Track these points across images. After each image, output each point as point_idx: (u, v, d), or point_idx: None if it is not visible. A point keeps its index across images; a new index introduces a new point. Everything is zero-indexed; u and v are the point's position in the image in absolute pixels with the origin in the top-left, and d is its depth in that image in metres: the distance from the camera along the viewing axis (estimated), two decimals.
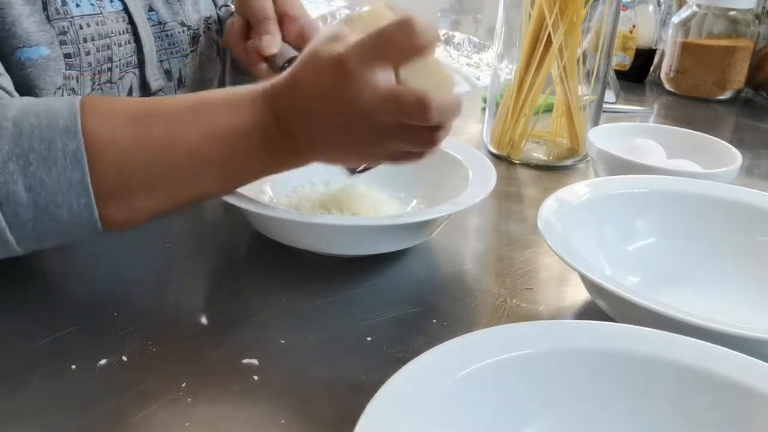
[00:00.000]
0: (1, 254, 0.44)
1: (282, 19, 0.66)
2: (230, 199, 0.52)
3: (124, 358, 0.44)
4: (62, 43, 0.53)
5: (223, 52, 0.75)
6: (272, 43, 0.65)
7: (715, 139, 0.77)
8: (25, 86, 0.51)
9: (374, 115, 0.45)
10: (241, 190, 0.54)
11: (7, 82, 0.49)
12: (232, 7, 0.72)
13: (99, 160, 0.44)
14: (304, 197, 0.62)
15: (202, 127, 0.47)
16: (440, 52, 2.08)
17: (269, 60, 0.65)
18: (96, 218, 0.45)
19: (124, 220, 0.47)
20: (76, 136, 0.43)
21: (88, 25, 0.55)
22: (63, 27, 0.53)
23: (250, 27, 0.68)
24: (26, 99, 0.45)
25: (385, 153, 0.49)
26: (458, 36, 1.75)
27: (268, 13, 0.65)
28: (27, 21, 0.51)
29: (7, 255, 0.44)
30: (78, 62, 0.54)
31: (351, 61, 0.44)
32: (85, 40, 0.55)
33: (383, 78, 0.44)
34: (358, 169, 0.56)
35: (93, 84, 0.56)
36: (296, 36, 0.66)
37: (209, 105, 0.48)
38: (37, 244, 0.45)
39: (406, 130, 0.46)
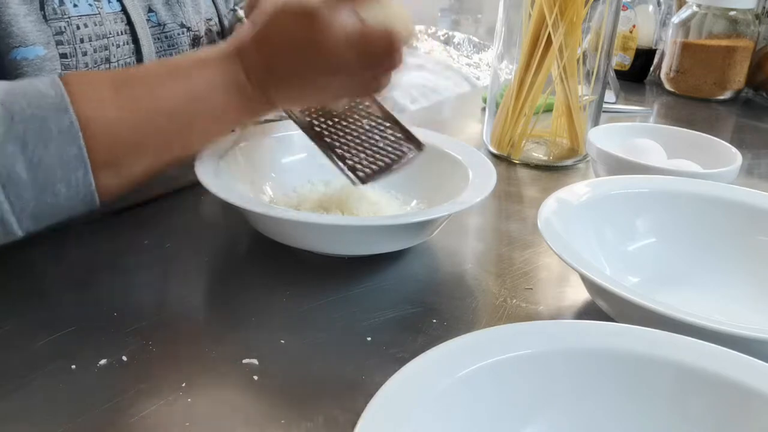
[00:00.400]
0: (0, 239, 0.45)
1: None
2: (230, 199, 0.52)
3: (124, 358, 0.44)
4: (59, 43, 0.53)
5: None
6: None
7: (715, 139, 0.77)
8: None
9: (342, 53, 0.50)
10: (241, 190, 0.54)
11: None
12: (240, 12, 0.72)
13: (90, 132, 0.46)
14: (304, 197, 0.62)
15: (180, 86, 0.51)
16: (440, 52, 2.08)
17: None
18: (93, 190, 0.47)
19: (117, 187, 0.49)
20: (68, 112, 0.45)
21: (86, 26, 0.55)
22: (60, 27, 0.53)
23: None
24: (5, 83, 0.46)
25: (350, 88, 0.54)
26: (458, 36, 1.76)
27: None
28: (24, 20, 0.51)
29: (5, 240, 0.45)
30: (74, 62, 0.54)
31: (318, 10, 0.49)
32: (82, 41, 0.55)
33: (350, 23, 0.50)
34: (365, 182, 0.57)
35: None
36: None
37: (184, 66, 0.52)
38: (35, 224, 0.46)
39: (371, 62, 0.51)
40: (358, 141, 0.59)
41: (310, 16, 0.49)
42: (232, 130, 0.60)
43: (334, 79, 0.52)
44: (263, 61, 0.52)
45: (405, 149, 0.59)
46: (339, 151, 0.58)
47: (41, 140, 0.44)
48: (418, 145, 0.59)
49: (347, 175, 0.57)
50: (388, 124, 0.60)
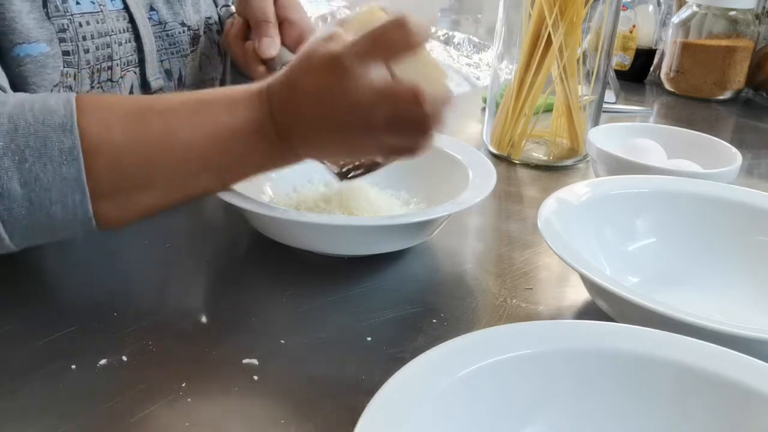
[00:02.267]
0: None
1: (282, 22, 0.67)
2: (230, 199, 0.52)
3: (124, 358, 0.44)
4: (61, 40, 0.53)
5: (224, 52, 0.75)
6: (271, 45, 0.65)
7: (715, 139, 0.77)
8: (21, 82, 0.51)
9: (369, 109, 0.46)
10: (241, 190, 0.54)
11: (2, 78, 0.49)
12: (233, 7, 0.72)
13: (94, 158, 0.44)
14: (304, 197, 0.62)
15: (199, 126, 0.47)
16: (440, 52, 2.08)
17: (267, 63, 0.65)
18: (90, 216, 0.45)
19: (119, 218, 0.47)
20: (72, 133, 0.43)
21: (88, 23, 0.55)
22: (62, 24, 0.53)
23: (250, 28, 0.68)
24: (21, 95, 0.45)
25: (379, 148, 0.49)
26: (458, 36, 1.76)
27: (269, 16, 0.66)
28: (26, 17, 0.51)
29: (0, 250, 0.45)
30: (76, 60, 0.54)
31: (346, 59, 0.45)
32: (84, 38, 0.55)
33: (378, 74, 0.45)
34: (348, 176, 0.56)
35: (92, 82, 0.56)
36: (295, 40, 0.67)
37: (205, 103, 0.48)
38: (30, 240, 0.45)
39: (400, 124, 0.47)
40: None
41: (334, 60, 0.45)
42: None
43: (361, 137, 0.48)
44: (289, 106, 0.48)
45: None
46: None
47: (40, 158, 0.42)
48: None
49: (329, 170, 0.56)
50: None
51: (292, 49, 0.66)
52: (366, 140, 0.48)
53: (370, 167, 0.56)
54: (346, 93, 0.46)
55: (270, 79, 0.49)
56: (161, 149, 0.46)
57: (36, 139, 0.42)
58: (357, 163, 0.55)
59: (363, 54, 0.45)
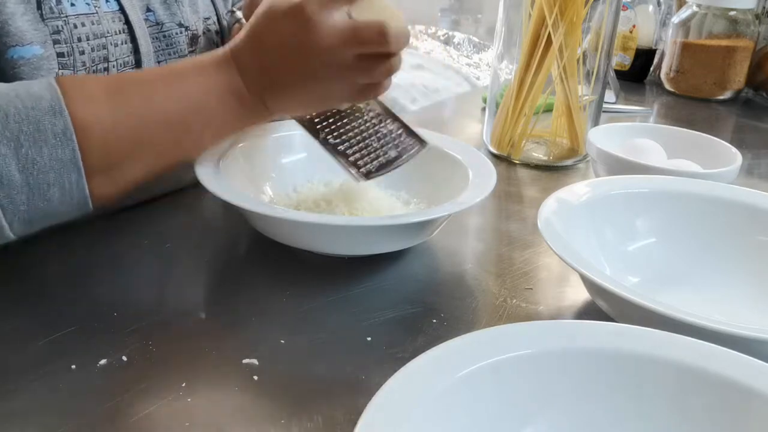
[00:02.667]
0: None
1: None
2: (230, 199, 0.52)
3: (124, 358, 0.44)
4: (56, 42, 0.53)
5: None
6: None
7: (715, 139, 0.77)
8: None
9: (336, 51, 0.49)
10: (241, 190, 0.54)
11: None
12: (238, 13, 0.72)
13: (85, 137, 0.46)
14: (304, 197, 0.62)
15: (176, 94, 0.50)
16: (440, 52, 2.08)
17: None
18: (87, 194, 0.47)
19: (110, 192, 0.49)
20: (63, 115, 0.45)
21: (83, 25, 0.55)
22: (57, 26, 0.53)
23: None
24: (2, 84, 0.46)
25: (347, 90, 0.53)
26: (458, 36, 1.76)
27: None
28: (20, 20, 0.51)
29: None
30: (71, 62, 0.54)
31: (307, 7, 0.48)
32: (79, 40, 0.55)
33: (340, 18, 0.49)
34: (370, 175, 0.57)
35: None
36: None
37: (178, 72, 0.52)
38: (28, 227, 0.46)
39: (365, 62, 0.50)
40: (360, 137, 0.59)
41: (298, 11, 0.49)
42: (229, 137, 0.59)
43: (330, 81, 0.51)
44: (257, 63, 0.51)
45: (408, 145, 0.59)
46: (341, 147, 0.58)
47: (35, 142, 0.44)
48: (421, 141, 0.59)
49: (349, 172, 0.57)
50: (390, 120, 0.60)
51: None
52: (334, 84, 0.52)
53: (387, 166, 0.57)
54: (311, 40, 0.49)
55: (236, 40, 0.52)
56: (144, 120, 0.49)
57: (28, 124, 0.44)
58: (377, 164, 0.57)
59: (323, 1, 0.48)
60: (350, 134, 0.59)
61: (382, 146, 0.58)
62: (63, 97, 0.45)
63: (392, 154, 0.58)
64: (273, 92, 0.52)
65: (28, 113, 0.44)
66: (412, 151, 0.59)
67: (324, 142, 0.58)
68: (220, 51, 0.52)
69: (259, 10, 0.51)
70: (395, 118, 0.60)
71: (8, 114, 0.43)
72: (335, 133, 0.59)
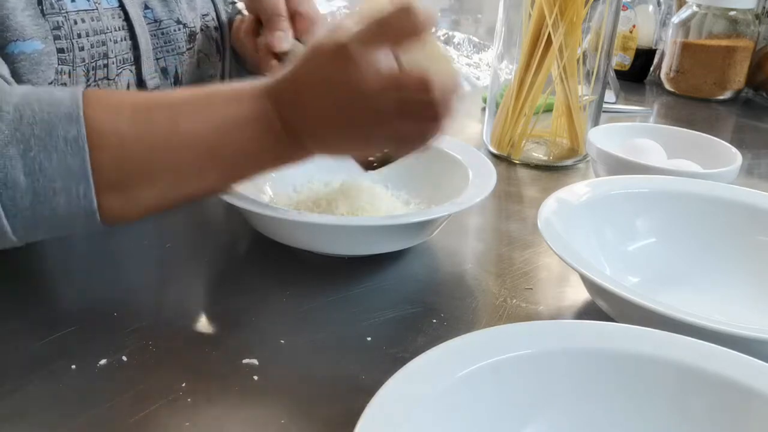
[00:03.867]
0: None
1: (293, 16, 0.66)
2: (230, 199, 0.52)
3: (124, 358, 0.44)
4: (56, 37, 0.53)
5: (222, 49, 0.74)
6: (284, 39, 0.65)
7: (715, 139, 0.77)
8: (16, 80, 0.51)
9: (376, 97, 0.45)
10: (241, 190, 0.54)
11: (5, 69, 0.49)
12: (240, 4, 0.72)
13: (100, 150, 0.44)
14: (304, 197, 0.62)
15: (205, 120, 0.47)
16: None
17: (280, 57, 0.65)
18: (94, 208, 0.44)
19: (123, 213, 0.46)
20: (78, 123, 0.43)
21: (83, 21, 0.55)
22: (57, 22, 0.53)
23: (261, 24, 0.68)
24: (28, 87, 0.45)
25: (388, 139, 0.49)
26: (458, 36, 1.75)
27: (280, 10, 0.66)
28: (21, 15, 0.51)
29: (2, 245, 0.44)
30: (71, 57, 0.54)
31: (352, 47, 0.45)
32: (79, 36, 0.55)
33: (384, 62, 0.45)
34: (372, 165, 0.55)
35: (88, 80, 0.56)
36: (308, 33, 0.66)
37: (212, 98, 0.48)
38: (32, 234, 0.45)
39: (408, 111, 0.46)
40: None
41: (341, 49, 0.45)
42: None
43: (370, 127, 0.47)
44: (296, 99, 0.47)
45: None
46: None
47: (45, 147, 0.42)
48: None
49: (351, 164, 0.56)
50: None
51: (305, 43, 0.66)
52: (374, 131, 0.48)
53: (391, 157, 0.54)
54: (352, 81, 0.45)
55: (276, 74, 0.49)
56: (167, 142, 0.46)
57: (41, 128, 0.42)
58: (380, 155, 0.55)
59: (368, 41, 0.45)
60: None
61: None
62: (84, 105, 0.43)
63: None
64: (310, 132, 0.48)
65: (43, 117, 0.42)
66: None
67: None
68: (261, 82, 0.48)
69: (308, 46, 0.48)
70: None
71: (23, 116, 0.42)
72: None
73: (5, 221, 0.43)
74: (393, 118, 0.46)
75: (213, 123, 0.47)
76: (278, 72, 0.49)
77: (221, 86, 0.50)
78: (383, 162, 0.55)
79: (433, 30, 0.46)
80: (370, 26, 0.45)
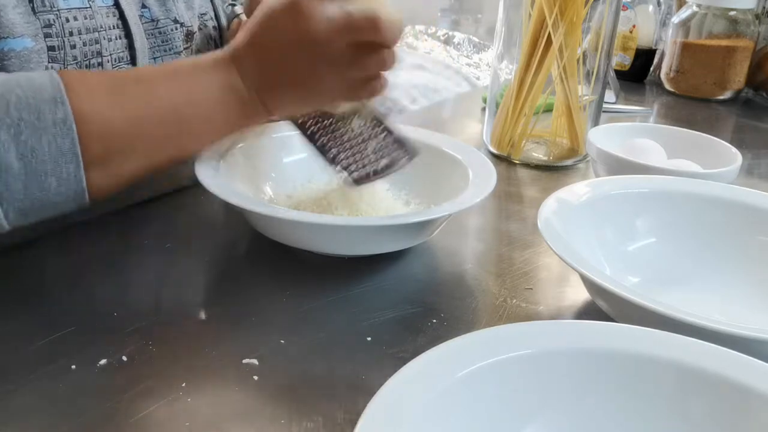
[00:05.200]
0: None
1: None
2: (230, 199, 0.52)
3: (124, 358, 0.44)
4: (47, 35, 0.53)
5: (221, 48, 0.74)
6: None
7: (715, 139, 0.77)
8: None
9: (330, 42, 0.50)
10: (241, 190, 0.54)
11: None
12: (238, 8, 0.72)
13: (85, 128, 0.46)
14: (304, 197, 0.62)
15: (176, 91, 0.51)
16: (440, 52, 2.08)
17: None
18: (84, 186, 0.47)
19: (107, 186, 0.49)
20: (64, 105, 0.45)
21: (75, 19, 0.55)
22: (48, 20, 0.53)
23: None
24: (4, 74, 0.47)
25: (343, 86, 0.53)
26: (458, 36, 1.75)
27: None
28: (12, 12, 0.51)
29: None
30: (62, 55, 0.54)
31: (303, 2, 0.49)
32: (71, 34, 0.55)
33: (333, 8, 0.49)
34: (361, 182, 0.57)
35: None
36: None
37: (178, 70, 0.52)
38: (23, 218, 0.46)
39: (360, 54, 0.51)
40: (352, 143, 0.59)
41: (292, 5, 0.49)
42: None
43: (325, 76, 0.52)
44: (256, 62, 0.52)
45: (399, 153, 0.59)
46: (333, 151, 0.58)
47: (35, 130, 0.44)
48: (412, 150, 0.60)
49: (340, 176, 0.57)
50: (382, 128, 0.60)
51: None
52: (330, 78, 0.52)
53: (379, 174, 0.57)
54: (305, 33, 0.49)
55: (236, 40, 0.53)
56: (142, 114, 0.49)
57: (29, 112, 0.44)
58: (368, 170, 0.57)
59: None
60: (343, 139, 0.59)
61: (373, 154, 0.59)
62: (64, 88, 0.46)
63: (383, 163, 0.58)
64: (271, 91, 0.53)
65: (29, 101, 0.44)
66: (402, 161, 0.59)
67: (317, 146, 0.59)
68: (220, 51, 0.53)
69: (258, 9, 0.52)
70: (388, 127, 0.60)
71: (9, 101, 0.44)
72: (328, 137, 0.59)
73: None
74: (346, 62, 0.51)
75: (184, 94, 0.51)
76: (238, 36, 0.53)
77: (187, 59, 0.55)
78: (369, 179, 0.57)
79: None
80: None
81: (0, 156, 0.43)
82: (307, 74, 0.52)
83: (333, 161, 0.58)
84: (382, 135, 0.60)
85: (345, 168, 0.58)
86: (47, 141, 0.44)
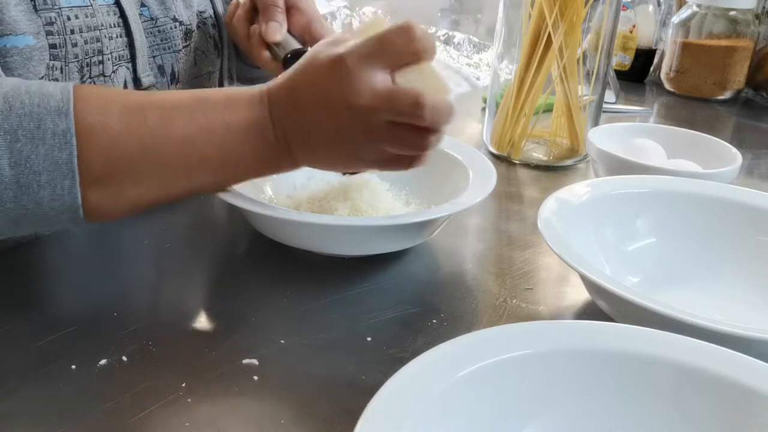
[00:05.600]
0: None
1: (290, 9, 0.67)
2: (230, 199, 0.52)
3: (124, 358, 0.44)
4: (48, 33, 0.53)
5: (221, 47, 0.75)
6: (277, 30, 0.65)
7: (715, 139, 0.77)
8: (6, 74, 0.51)
9: (368, 114, 0.45)
10: (241, 190, 0.54)
11: None
12: None
13: (88, 145, 0.44)
14: (304, 197, 0.62)
15: (197, 123, 0.47)
16: (440, 52, 2.08)
17: (272, 48, 0.65)
18: (78, 204, 0.44)
19: (109, 209, 0.46)
20: (67, 117, 0.43)
21: (77, 17, 0.55)
22: (50, 18, 0.53)
23: (257, 12, 0.68)
24: (18, 79, 0.45)
25: (377, 157, 0.49)
26: (458, 36, 1.75)
27: (277, 1, 0.66)
28: (14, 9, 0.51)
29: None
30: (63, 53, 0.54)
31: (349, 61, 0.45)
32: (72, 32, 0.55)
33: (380, 80, 0.45)
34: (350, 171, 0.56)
35: (83, 76, 0.56)
36: (302, 29, 0.67)
37: (205, 101, 0.48)
38: (14, 227, 0.45)
39: (399, 132, 0.46)
40: None
41: (338, 62, 0.45)
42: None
43: (359, 144, 0.47)
44: (290, 110, 0.48)
45: None
46: None
47: (32, 139, 0.42)
48: None
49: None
50: None
51: (299, 38, 0.66)
52: (363, 147, 0.48)
53: None
54: (346, 95, 0.45)
55: (273, 81, 0.49)
56: (157, 141, 0.46)
57: (30, 120, 0.42)
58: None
59: (366, 57, 0.45)
60: None
61: None
62: (75, 100, 0.43)
63: None
64: (301, 143, 0.48)
65: (33, 109, 0.42)
66: None
67: None
68: (256, 89, 0.49)
69: (305, 56, 0.48)
70: None
71: (12, 107, 0.42)
72: None
73: None
74: (382, 137, 0.47)
75: (205, 128, 0.47)
76: (275, 80, 0.49)
77: (217, 91, 0.50)
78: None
79: (433, 54, 0.46)
80: (370, 42, 0.45)
81: None
82: (340, 136, 0.47)
83: None
84: None
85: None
86: (44, 152, 0.42)
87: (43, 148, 0.43)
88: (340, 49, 0.46)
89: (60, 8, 0.54)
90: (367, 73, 0.45)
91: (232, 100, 0.48)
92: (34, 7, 0.52)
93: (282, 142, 0.48)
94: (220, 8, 0.74)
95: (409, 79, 0.46)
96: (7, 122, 0.42)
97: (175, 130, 0.46)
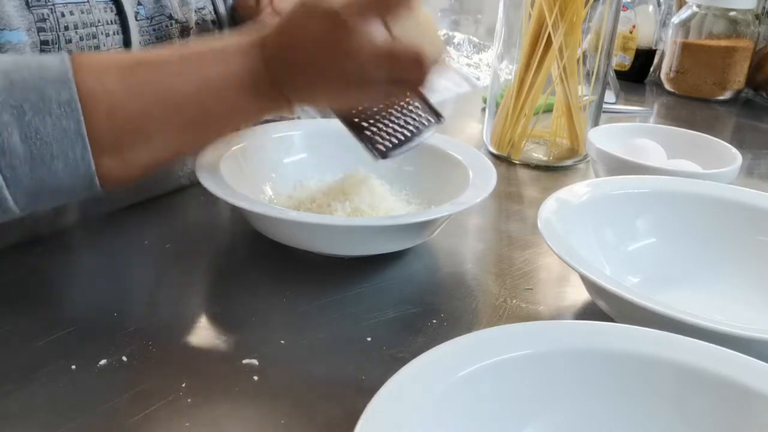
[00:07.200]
0: None
1: None
2: (230, 199, 0.52)
3: (124, 358, 0.44)
4: (40, 30, 0.53)
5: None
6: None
7: (715, 139, 0.77)
8: None
9: (368, 66, 0.47)
10: (240, 190, 0.54)
11: None
12: None
13: (92, 111, 0.44)
14: (304, 197, 0.62)
15: (193, 75, 0.48)
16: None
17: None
18: (92, 170, 0.45)
19: (121, 174, 0.47)
20: (69, 86, 0.44)
21: (72, 13, 0.55)
22: (42, 14, 0.53)
23: None
24: (14, 55, 0.46)
25: (373, 99, 0.52)
26: (458, 36, 1.75)
27: None
28: (7, 5, 0.51)
29: (3, 218, 0.44)
30: (56, 50, 0.54)
31: (345, 14, 0.46)
32: (66, 28, 0.55)
33: (377, 33, 0.46)
34: (385, 152, 0.54)
35: None
36: None
37: (198, 54, 0.49)
38: (34, 202, 0.45)
39: (398, 83, 0.49)
40: (378, 115, 0.57)
41: (335, 15, 0.46)
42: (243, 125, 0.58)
43: (355, 87, 0.50)
44: (284, 55, 0.49)
45: (425, 121, 0.57)
46: (362, 124, 0.56)
47: (39, 111, 0.43)
48: (437, 115, 0.58)
49: (368, 149, 0.54)
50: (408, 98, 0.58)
51: None
52: (362, 92, 0.50)
53: (405, 143, 0.55)
54: (344, 46, 0.47)
55: (265, 27, 0.50)
56: (157, 99, 0.47)
57: (34, 93, 0.43)
58: (395, 141, 0.55)
59: (361, 9, 0.46)
60: (369, 111, 0.57)
61: (399, 124, 0.56)
62: (72, 68, 0.44)
63: (409, 132, 0.55)
64: (293, 82, 0.50)
65: (35, 82, 0.43)
66: (430, 127, 0.57)
67: (343, 120, 0.56)
68: (248, 37, 0.50)
69: (296, 4, 0.49)
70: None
71: (14, 82, 0.42)
72: (354, 110, 0.57)
73: (6, 192, 0.43)
74: (382, 84, 0.49)
75: (200, 78, 0.48)
76: (267, 23, 0.50)
77: (208, 42, 0.52)
78: (396, 149, 0.54)
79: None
80: None
81: (4, 138, 0.42)
82: (336, 79, 0.49)
83: (360, 134, 0.55)
84: (407, 102, 0.57)
85: (370, 140, 0.54)
86: (51, 122, 0.43)
87: (50, 118, 0.43)
88: (334, 3, 0.47)
89: (54, 4, 0.54)
90: (364, 26, 0.46)
91: (224, 50, 0.50)
92: (26, 3, 0.52)
93: (276, 86, 0.50)
94: (220, 5, 0.74)
95: (404, 28, 0.47)
96: (12, 98, 0.42)
97: (172, 87, 0.48)
